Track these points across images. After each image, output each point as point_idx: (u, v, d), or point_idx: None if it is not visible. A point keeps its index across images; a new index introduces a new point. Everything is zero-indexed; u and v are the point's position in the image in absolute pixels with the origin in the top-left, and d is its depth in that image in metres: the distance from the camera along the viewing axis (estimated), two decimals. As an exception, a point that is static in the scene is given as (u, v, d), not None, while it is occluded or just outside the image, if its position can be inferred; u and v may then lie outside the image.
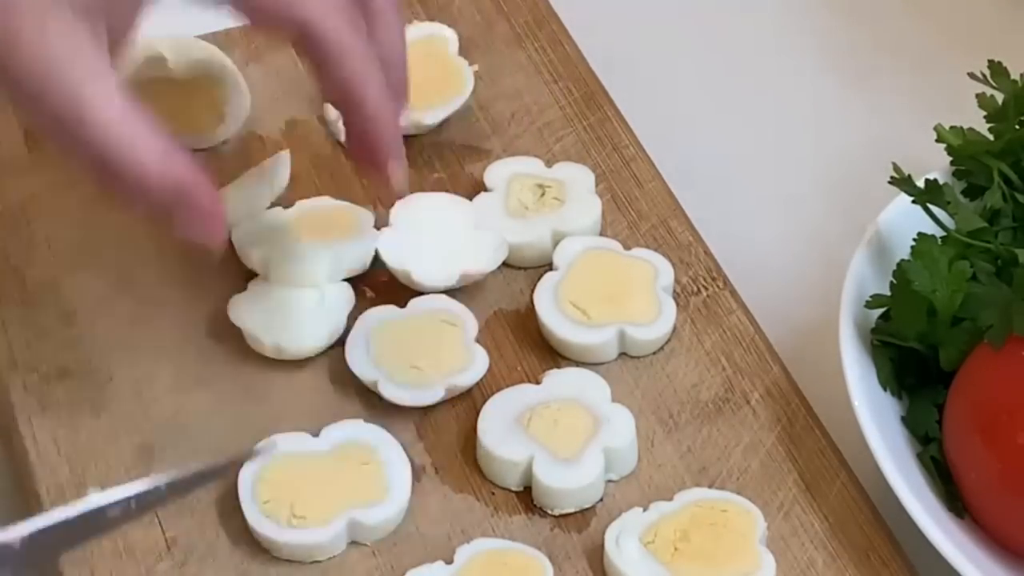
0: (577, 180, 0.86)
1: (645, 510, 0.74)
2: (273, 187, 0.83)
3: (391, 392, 0.77)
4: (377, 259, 0.82)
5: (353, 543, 0.73)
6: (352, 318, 0.80)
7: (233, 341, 0.80)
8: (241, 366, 0.79)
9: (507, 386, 0.78)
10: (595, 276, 0.82)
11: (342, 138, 0.89)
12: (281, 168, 0.84)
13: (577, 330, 0.80)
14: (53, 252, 0.83)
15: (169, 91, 0.85)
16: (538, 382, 0.79)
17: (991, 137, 0.83)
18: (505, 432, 0.76)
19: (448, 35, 0.91)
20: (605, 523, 0.74)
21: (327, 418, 0.77)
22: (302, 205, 0.84)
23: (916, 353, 0.77)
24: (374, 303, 0.81)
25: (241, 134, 0.89)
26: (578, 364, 0.80)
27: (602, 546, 0.73)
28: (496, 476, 0.76)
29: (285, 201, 0.84)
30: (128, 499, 0.67)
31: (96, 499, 0.68)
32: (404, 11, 0.95)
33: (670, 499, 0.74)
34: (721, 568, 0.72)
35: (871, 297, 0.78)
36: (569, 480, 0.74)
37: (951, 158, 0.83)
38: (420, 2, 0.96)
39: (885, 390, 0.77)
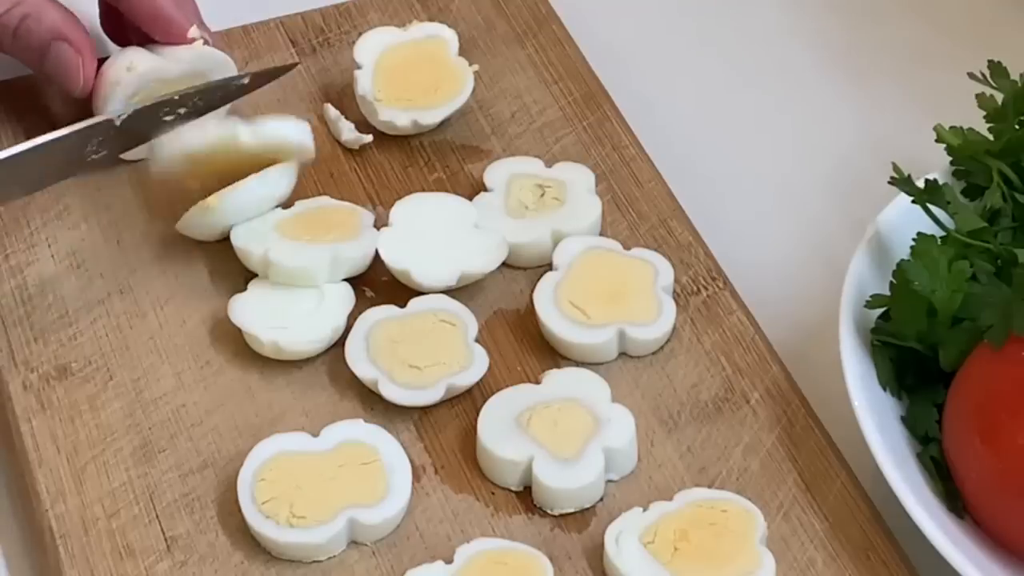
0: (577, 180, 0.86)
1: (645, 510, 0.74)
2: (276, 192, 0.83)
3: (391, 392, 0.77)
4: (377, 259, 0.82)
5: (353, 543, 0.73)
6: (352, 318, 0.80)
7: (233, 341, 0.80)
8: (241, 366, 0.79)
9: (507, 386, 0.78)
10: (595, 276, 0.82)
11: (342, 138, 0.89)
12: (285, 177, 0.83)
13: (577, 330, 0.80)
14: (53, 252, 0.83)
15: (238, 154, 0.82)
16: (538, 382, 0.79)
17: (991, 137, 0.83)
18: (505, 432, 0.76)
19: (448, 35, 0.91)
20: (605, 523, 0.74)
21: (327, 418, 0.77)
22: (302, 205, 0.84)
23: (916, 353, 0.77)
24: (374, 303, 0.81)
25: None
26: (578, 364, 0.80)
27: (602, 546, 0.73)
28: (496, 476, 0.76)
29: (285, 201, 0.84)
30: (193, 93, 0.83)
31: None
32: (404, 11, 0.95)
33: (670, 499, 0.74)
34: (721, 568, 0.72)
35: (871, 297, 0.78)
36: (569, 480, 0.74)
37: (951, 158, 0.83)
38: (420, 2, 0.96)
39: (885, 390, 0.77)
